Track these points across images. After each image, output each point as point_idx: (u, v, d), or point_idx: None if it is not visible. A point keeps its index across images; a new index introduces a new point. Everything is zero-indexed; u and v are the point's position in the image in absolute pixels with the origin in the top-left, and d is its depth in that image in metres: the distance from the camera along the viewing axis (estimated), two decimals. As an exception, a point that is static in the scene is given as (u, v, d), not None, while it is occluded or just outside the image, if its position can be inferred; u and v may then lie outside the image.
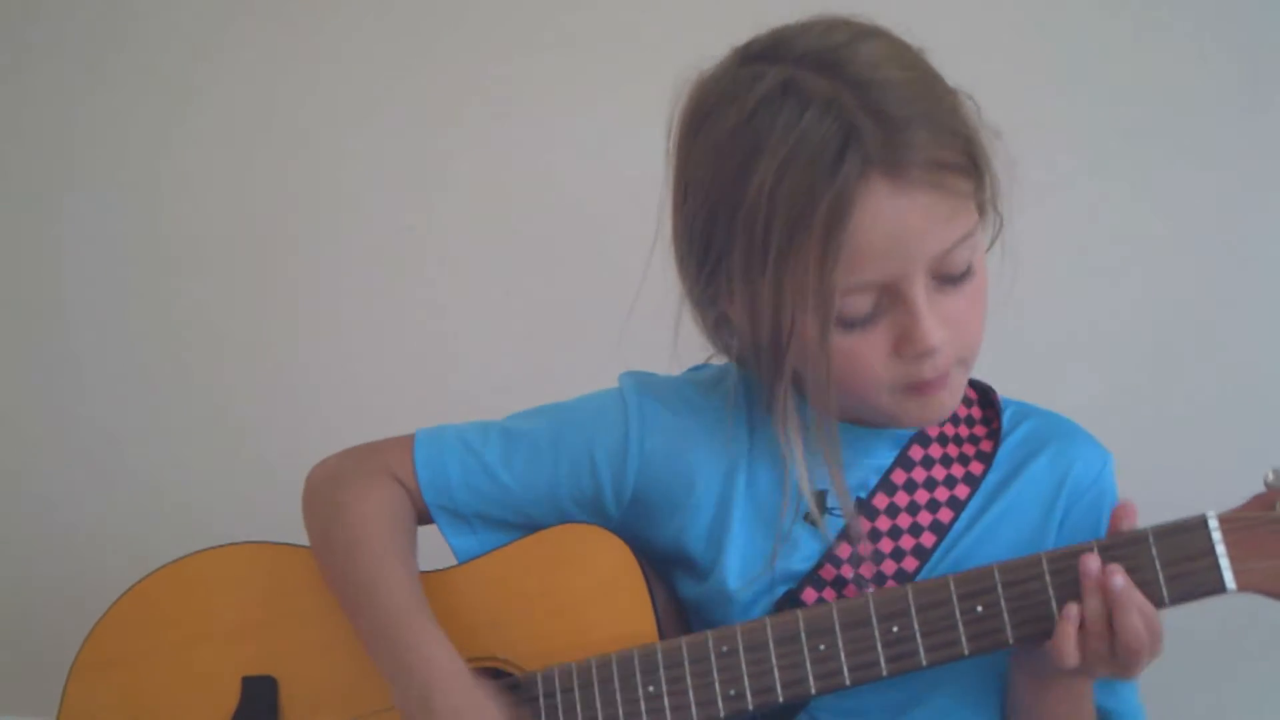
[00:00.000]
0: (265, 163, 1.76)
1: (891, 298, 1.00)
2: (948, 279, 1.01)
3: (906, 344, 1.00)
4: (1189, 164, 1.47)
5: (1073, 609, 0.99)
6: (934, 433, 1.14)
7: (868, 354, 1.02)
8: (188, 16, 1.78)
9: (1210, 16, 1.45)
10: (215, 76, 1.77)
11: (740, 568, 1.12)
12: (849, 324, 1.00)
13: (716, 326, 1.11)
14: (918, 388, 1.03)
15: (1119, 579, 0.98)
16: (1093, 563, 0.99)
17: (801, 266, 0.97)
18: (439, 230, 1.71)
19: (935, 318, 1.00)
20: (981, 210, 1.03)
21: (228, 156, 1.77)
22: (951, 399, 1.06)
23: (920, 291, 0.99)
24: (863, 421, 1.11)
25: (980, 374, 1.20)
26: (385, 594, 1.11)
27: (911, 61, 1.01)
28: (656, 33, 1.60)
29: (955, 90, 1.01)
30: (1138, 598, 0.98)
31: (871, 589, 1.09)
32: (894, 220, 0.96)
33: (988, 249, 1.07)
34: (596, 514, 1.16)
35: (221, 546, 1.22)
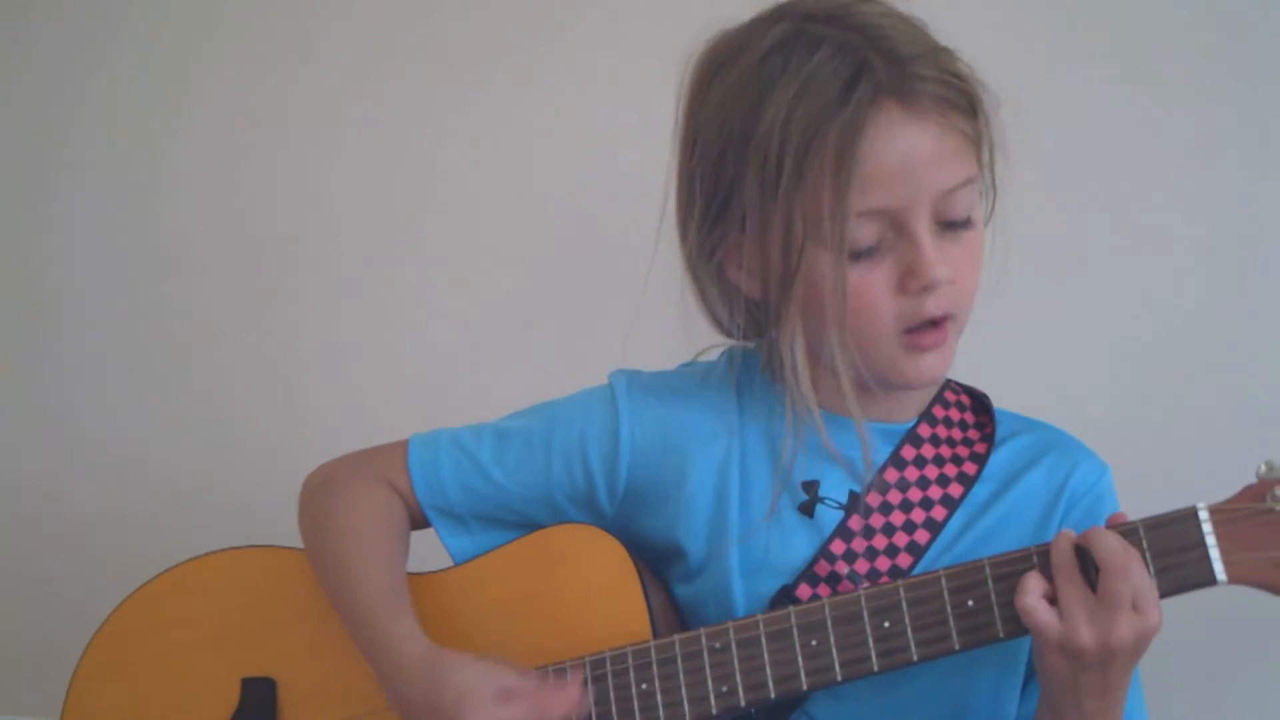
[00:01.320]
0: (261, 163, 1.77)
1: (897, 232, 1.02)
2: (949, 225, 1.04)
3: (911, 278, 1.03)
4: (1189, 164, 1.47)
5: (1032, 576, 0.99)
6: (926, 433, 1.15)
7: (874, 290, 1.03)
8: (184, 15, 1.79)
9: (1214, 14, 1.46)
10: (212, 75, 1.78)
11: (741, 554, 1.12)
12: (855, 255, 1.03)
13: (721, 294, 1.13)
14: (917, 339, 1.05)
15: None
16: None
17: (815, 189, 1.00)
18: (438, 231, 1.72)
19: (943, 257, 1.02)
20: (981, 168, 1.06)
21: (224, 156, 1.78)
22: (943, 361, 1.07)
23: (925, 226, 1.02)
24: (848, 412, 1.11)
25: (978, 373, 1.21)
26: (363, 595, 1.12)
27: (913, 21, 1.06)
28: (657, 33, 1.58)
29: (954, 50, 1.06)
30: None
31: (866, 585, 1.08)
32: (905, 144, 1.00)
33: (985, 222, 1.10)
34: (590, 510, 1.17)
35: (222, 551, 1.23)
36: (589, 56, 1.64)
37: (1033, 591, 0.98)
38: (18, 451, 1.83)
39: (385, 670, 1.09)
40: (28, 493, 1.82)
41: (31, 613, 1.77)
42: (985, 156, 1.07)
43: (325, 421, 1.67)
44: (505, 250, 1.69)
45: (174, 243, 1.80)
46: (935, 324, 1.05)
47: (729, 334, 1.16)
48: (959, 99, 1.02)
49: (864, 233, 1.02)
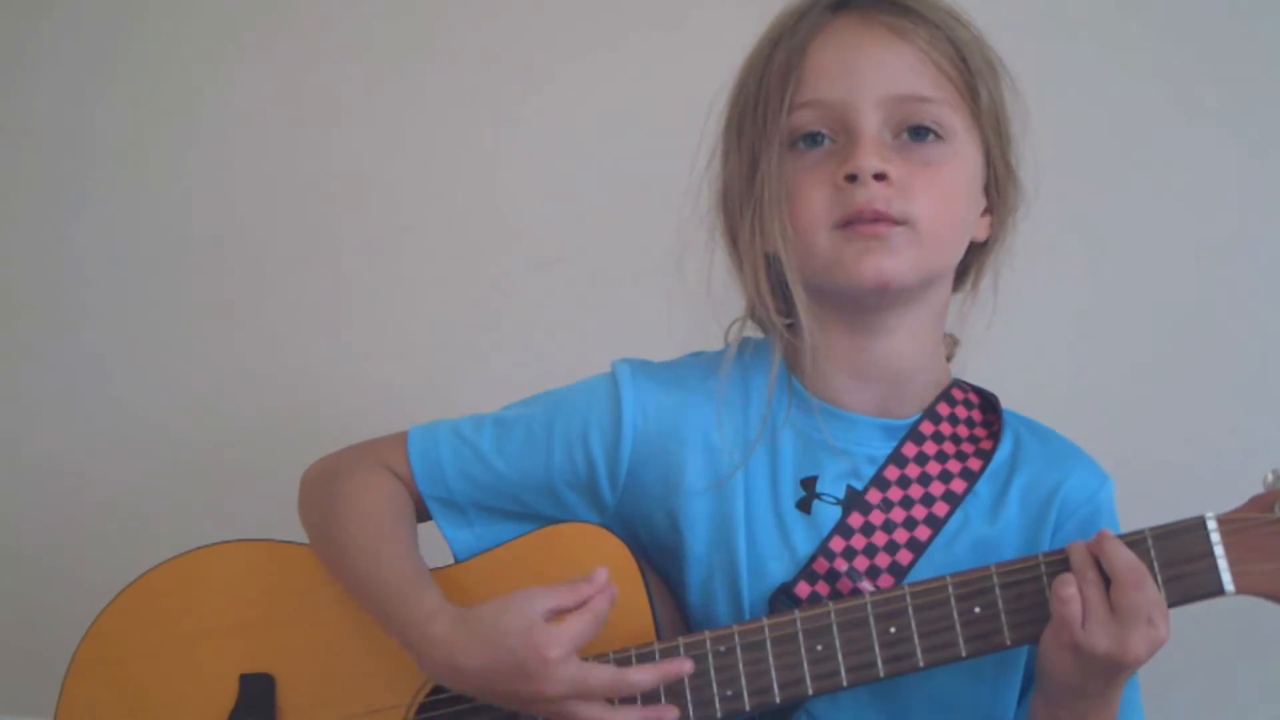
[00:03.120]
0: (263, 164, 1.76)
1: (846, 135, 1.07)
2: (912, 134, 1.07)
3: (842, 167, 1.06)
4: (1192, 166, 1.47)
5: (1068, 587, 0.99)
6: (929, 430, 1.15)
7: (811, 185, 1.08)
8: (194, 20, 1.78)
9: (1211, 22, 1.46)
10: (216, 79, 1.77)
11: (748, 544, 1.12)
12: (799, 149, 1.08)
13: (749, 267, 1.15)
14: (853, 223, 1.06)
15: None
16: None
17: (768, 93, 1.09)
18: (437, 231, 1.71)
19: (879, 153, 1.05)
20: (979, 125, 1.10)
21: (228, 158, 1.77)
22: (892, 262, 1.06)
23: (869, 124, 1.06)
24: (848, 406, 1.14)
25: (980, 377, 1.21)
26: (388, 570, 1.11)
27: (952, 7, 1.11)
28: (654, 34, 1.61)
29: (987, 44, 1.12)
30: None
31: (865, 582, 1.09)
32: (851, 44, 1.07)
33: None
34: (592, 498, 1.16)
35: (220, 544, 1.21)
36: (595, 58, 1.64)
37: (1074, 583, 0.99)
38: (16, 450, 1.83)
39: (427, 649, 1.06)
40: (27, 490, 1.81)
41: (28, 613, 1.76)
42: (984, 110, 1.10)
43: (327, 419, 1.67)
44: (509, 248, 1.69)
45: (178, 243, 1.79)
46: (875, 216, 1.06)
47: (755, 316, 1.17)
48: (937, 35, 1.07)
49: (802, 120, 1.08)
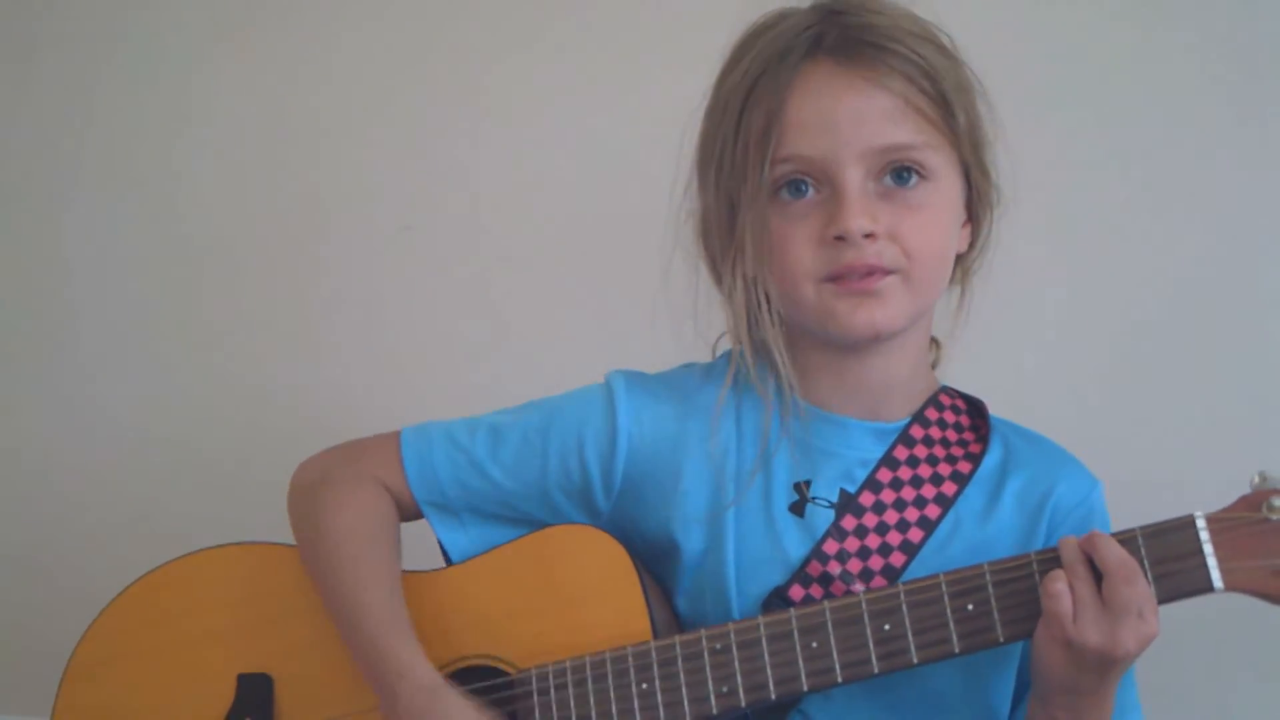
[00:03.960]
0: (263, 164, 1.76)
1: (830, 188, 1.07)
2: (895, 177, 1.07)
3: (830, 226, 1.06)
4: (1185, 165, 1.48)
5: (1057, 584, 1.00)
6: (919, 434, 1.16)
7: (798, 240, 1.08)
8: (189, 18, 1.79)
9: (1210, 19, 1.47)
10: (215, 78, 1.78)
11: (736, 552, 1.12)
12: (782, 203, 1.08)
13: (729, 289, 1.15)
14: (843, 280, 1.07)
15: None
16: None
17: (746, 140, 1.08)
18: (437, 231, 1.72)
19: (866, 210, 1.05)
20: (958, 151, 1.10)
21: (226, 158, 1.77)
22: (884, 313, 1.08)
23: (853, 180, 1.06)
24: (838, 412, 1.15)
25: (971, 378, 1.22)
26: (363, 613, 1.12)
27: (922, 25, 1.10)
28: (653, 35, 1.62)
29: (959, 59, 1.11)
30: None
31: (859, 585, 1.10)
32: (829, 96, 1.06)
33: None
34: (585, 505, 1.17)
35: (218, 547, 1.22)
36: (594, 58, 1.65)
37: (1063, 578, 1.00)
38: (15, 450, 1.83)
39: (387, 697, 1.09)
40: (25, 491, 1.81)
41: (27, 613, 1.76)
42: (963, 137, 1.10)
43: (326, 419, 1.66)
44: (509, 248, 1.69)
45: (177, 243, 1.79)
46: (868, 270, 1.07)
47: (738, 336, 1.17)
48: (913, 71, 1.06)
49: (784, 171, 1.07)
